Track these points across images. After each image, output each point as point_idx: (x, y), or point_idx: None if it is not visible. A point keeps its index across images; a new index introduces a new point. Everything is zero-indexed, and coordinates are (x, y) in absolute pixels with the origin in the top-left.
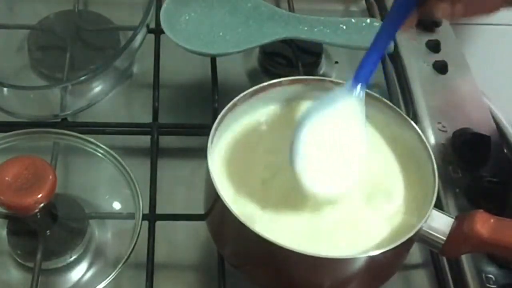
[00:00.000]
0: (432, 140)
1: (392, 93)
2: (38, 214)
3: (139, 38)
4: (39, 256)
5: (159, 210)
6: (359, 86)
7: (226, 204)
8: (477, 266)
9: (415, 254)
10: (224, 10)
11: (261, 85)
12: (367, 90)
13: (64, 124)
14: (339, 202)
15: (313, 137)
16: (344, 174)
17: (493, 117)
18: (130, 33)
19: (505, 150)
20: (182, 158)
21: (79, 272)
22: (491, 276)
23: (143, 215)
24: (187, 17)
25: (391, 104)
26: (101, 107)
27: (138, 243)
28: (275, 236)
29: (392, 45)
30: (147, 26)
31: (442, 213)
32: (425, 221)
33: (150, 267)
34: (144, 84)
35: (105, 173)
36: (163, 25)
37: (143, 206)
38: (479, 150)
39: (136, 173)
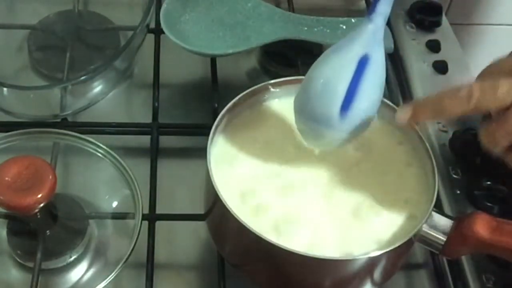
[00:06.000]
0: (432, 140)
1: (392, 93)
2: (38, 214)
3: (139, 38)
4: (39, 256)
5: (159, 210)
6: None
7: (226, 204)
8: (477, 266)
9: (415, 254)
10: (224, 10)
11: (261, 85)
12: None
13: (64, 124)
14: (338, 202)
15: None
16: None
17: None
18: (130, 33)
19: None
20: (182, 158)
21: (79, 272)
22: (491, 276)
23: (143, 215)
24: (187, 17)
25: (391, 104)
26: (101, 107)
27: (138, 243)
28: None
29: (392, 45)
30: (147, 26)
31: (442, 214)
32: (425, 222)
33: (150, 267)
34: (144, 84)
35: (105, 173)
36: (163, 25)
37: (143, 206)
38: (479, 150)
39: (136, 173)
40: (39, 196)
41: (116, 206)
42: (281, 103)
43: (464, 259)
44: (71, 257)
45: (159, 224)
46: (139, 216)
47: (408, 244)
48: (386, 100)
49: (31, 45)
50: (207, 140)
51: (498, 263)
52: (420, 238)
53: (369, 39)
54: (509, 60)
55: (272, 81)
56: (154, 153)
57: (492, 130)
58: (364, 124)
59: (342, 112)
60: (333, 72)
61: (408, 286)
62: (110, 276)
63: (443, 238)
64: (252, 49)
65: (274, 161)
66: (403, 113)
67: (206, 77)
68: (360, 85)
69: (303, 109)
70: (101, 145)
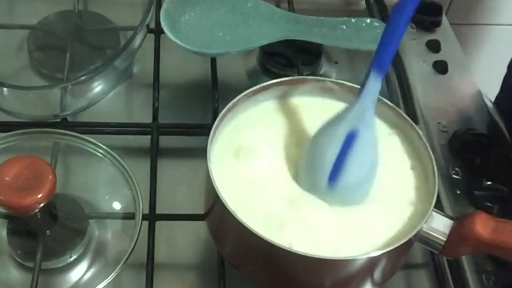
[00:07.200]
0: (432, 140)
1: (392, 93)
2: (38, 214)
3: (139, 38)
4: (39, 256)
5: (159, 210)
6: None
7: (226, 204)
8: (477, 266)
9: (415, 254)
10: (224, 10)
11: (261, 85)
12: None
13: (64, 124)
14: (339, 202)
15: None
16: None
17: (493, 117)
18: (130, 33)
19: (505, 150)
20: (182, 158)
21: (79, 272)
22: (491, 276)
23: (143, 215)
24: (187, 17)
25: (391, 104)
26: (101, 107)
27: (138, 243)
28: (275, 237)
29: None
30: (147, 26)
31: (442, 214)
32: (425, 222)
33: (150, 267)
34: (144, 84)
35: (105, 173)
36: (163, 25)
37: (143, 206)
38: (479, 150)
39: (136, 173)
40: (39, 196)
41: (116, 206)
42: (281, 103)
43: (464, 259)
44: (71, 257)
45: (159, 224)
46: (139, 216)
47: (408, 244)
48: (385, 100)
49: (31, 45)
50: (207, 140)
51: (498, 263)
52: (420, 238)
53: (357, 117)
54: None
55: (272, 81)
56: (154, 153)
57: None
58: (354, 198)
59: (330, 183)
60: (322, 146)
61: (408, 286)
62: (110, 276)
63: (443, 238)
64: (252, 49)
65: (274, 161)
66: None
67: (206, 77)
68: (347, 161)
69: (300, 175)
70: (101, 145)
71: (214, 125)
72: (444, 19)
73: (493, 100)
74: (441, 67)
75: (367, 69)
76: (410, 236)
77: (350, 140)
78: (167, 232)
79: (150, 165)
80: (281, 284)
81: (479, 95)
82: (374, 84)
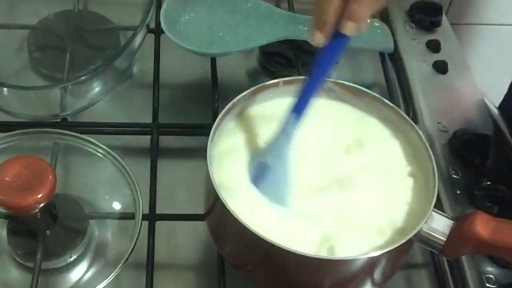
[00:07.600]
0: (432, 140)
1: (392, 93)
2: (38, 214)
3: (139, 38)
4: (39, 256)
5: (159, 210)
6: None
7: (226, 204)
8: (477, 266)
9: (415, 254)
10: (224, 10)
11: (260, 85)
12: (367, 90)
13: (64, 124)
14: (340, 202)
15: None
16: None
17: (493, 117)
18: (130, 33)
19: (505, 150)
20: (182, 158)
21: (79, 272)
22: (491, 276)
23: (143, 215)
24: (187, 17)
25: (391, 104)
26: (101, 107)
27: (138, 243)
28: (275, 237)
29: (392, 45)
30: (147, 26)
31: (442, 214)
32: (425, 222)
33: (150, 267)
34: (144, 84)
35: (105, 173)
36: (163, 25)
37: (143, 206)
38: (479, 150)
39: (136, 173)
40: (39, 196)
41: (116, 206)
42: (281, 103)
43: (464, 259)
44: (71, 257)
45: (159, 224)
46: (139, 216)
47: (408, 244)
48: (385, 100)
49: (31, 45)
50: (207, 140)
51: (498, 263)
52: (420, 238)
53: (272, 152)
54: None
55: (272, 81)
56: (154, 153)
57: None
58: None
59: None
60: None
61: (408, 286)
62: (110, 276)
63: (443, 238)
64: (252, 49)
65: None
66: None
67: (206, 77)
68: (261, 184)
69: None
70: (101, 145)
71: (214, 125)
72: (444, 19)
73: (493, 99)
74: (441, 67)
75: (367, 69)
76: (410, 236)
77: (261, 169)
78: (167, 232)
79: (150, 165)
80: (281, 284)
81: (479, 95)
82: (292, 126)
